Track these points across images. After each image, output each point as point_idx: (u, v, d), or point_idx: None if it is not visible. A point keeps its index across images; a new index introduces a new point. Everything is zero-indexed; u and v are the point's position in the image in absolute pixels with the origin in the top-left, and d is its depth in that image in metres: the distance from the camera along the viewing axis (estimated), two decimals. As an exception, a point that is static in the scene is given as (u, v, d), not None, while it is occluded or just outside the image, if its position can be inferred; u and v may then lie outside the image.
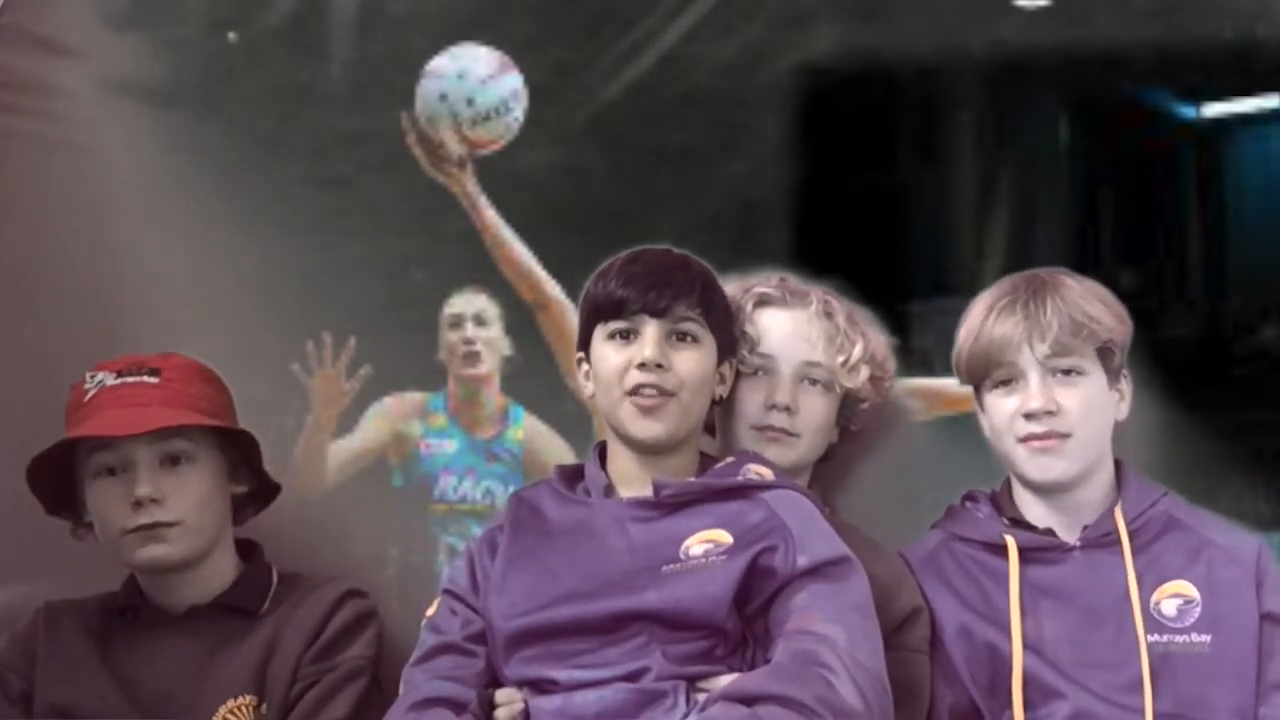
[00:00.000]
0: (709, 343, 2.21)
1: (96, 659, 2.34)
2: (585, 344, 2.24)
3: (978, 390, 2.33)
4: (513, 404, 2.71)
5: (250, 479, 2.43)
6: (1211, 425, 2.54)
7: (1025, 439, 2.25)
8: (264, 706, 2.30)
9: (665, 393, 2.16)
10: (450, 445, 2.71)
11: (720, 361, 2.24)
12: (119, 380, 2.32)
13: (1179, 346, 2.61)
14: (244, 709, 2.29)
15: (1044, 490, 2.28)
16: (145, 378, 2.32)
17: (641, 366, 2.15)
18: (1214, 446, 2.54)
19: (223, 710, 2.29)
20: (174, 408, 2.31)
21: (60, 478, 2.35)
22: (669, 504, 2.16)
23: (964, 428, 2.43)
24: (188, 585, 2.37)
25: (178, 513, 2.31)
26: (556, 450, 2.66)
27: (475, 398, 2.71)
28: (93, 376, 2.34)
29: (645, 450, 2.19)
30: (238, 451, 2.39)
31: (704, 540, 2.12)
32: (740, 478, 2.18)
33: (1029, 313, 2.24)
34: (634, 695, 2.06)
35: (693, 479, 2.20)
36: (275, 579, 2.43)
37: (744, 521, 2.13)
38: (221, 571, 2.40)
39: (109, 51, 2.70)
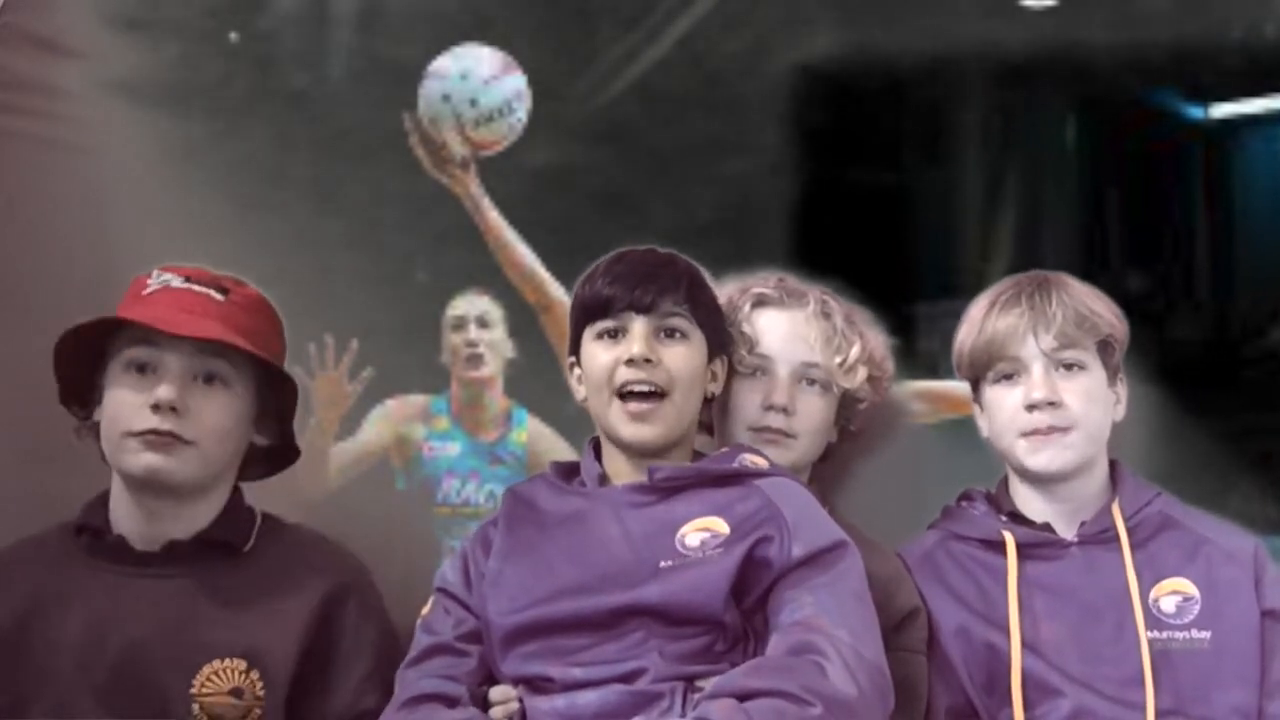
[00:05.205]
0: (698, 338, 2.20)
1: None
2: (575, 348, 2.23)
3: (977, 387, 2.32)
4: (516, 406, 2.70)
5: (273, 434, 2.30)
6: (1219, 428, 2.54)
7: (1028, 433, 2.24)
8: (254, 673, 2.17)
9: (656, 392, 2.15)
10: (453, 448, 2.70)
11: (711, 358, 2.22)
12: (185, 285, 2.21)
13: (1186, 349, 2.60)
14: (230, 673, 2.17)
15: (1043, 481, 2.27)
16: (213, 292, 2.21)
17: (630, 363, 2.14)
18: (1221, 449, 2.52)
19: (207, 670, 2.16)
20: (230, 328, 2.19)
21: (84, 364, 2.22)
22: (663, 489, 2.14)
23: (965, 429, 2.42)
24: (170, 520, 2.22)
25: (195, 432, 2.17)
26: (560, 452, 2.64)
27: (478, 400, 2.71)
28: (159, 274, 2.23)
29: (638, 454, 2.18)
30: (272, 398, 2.27)
31: (700, 529, 2.10)
32: (735, 465, 2.17)
33: (1034, 305, 2.25)
34: (631, 696, 2.05)
35: (688, 464, 2.19)
36: (259, 518, 2.28)
37: (739, 510, 2.11)
38: (208, 514, 2.24)
39: (109, 51, 2.70)
